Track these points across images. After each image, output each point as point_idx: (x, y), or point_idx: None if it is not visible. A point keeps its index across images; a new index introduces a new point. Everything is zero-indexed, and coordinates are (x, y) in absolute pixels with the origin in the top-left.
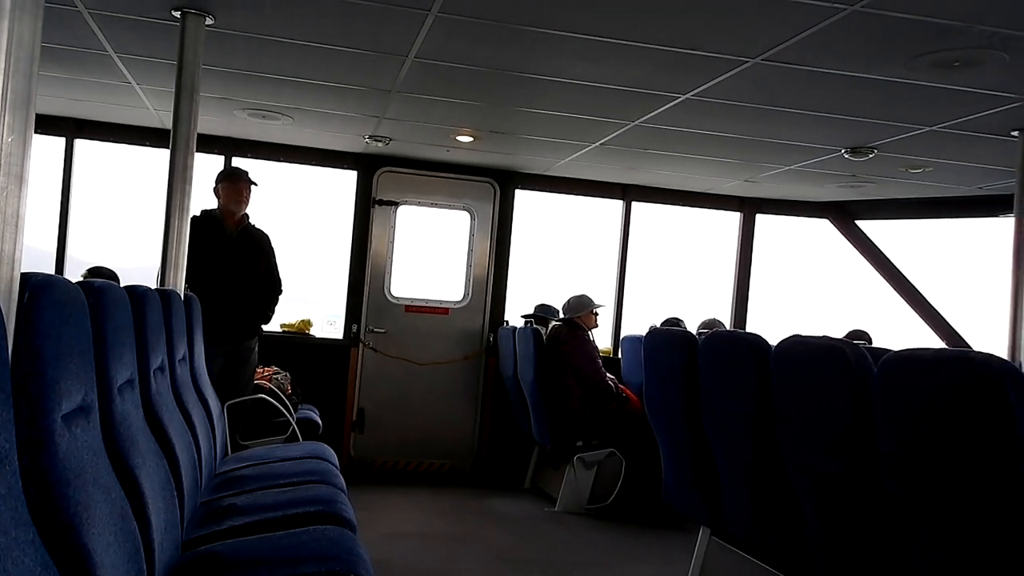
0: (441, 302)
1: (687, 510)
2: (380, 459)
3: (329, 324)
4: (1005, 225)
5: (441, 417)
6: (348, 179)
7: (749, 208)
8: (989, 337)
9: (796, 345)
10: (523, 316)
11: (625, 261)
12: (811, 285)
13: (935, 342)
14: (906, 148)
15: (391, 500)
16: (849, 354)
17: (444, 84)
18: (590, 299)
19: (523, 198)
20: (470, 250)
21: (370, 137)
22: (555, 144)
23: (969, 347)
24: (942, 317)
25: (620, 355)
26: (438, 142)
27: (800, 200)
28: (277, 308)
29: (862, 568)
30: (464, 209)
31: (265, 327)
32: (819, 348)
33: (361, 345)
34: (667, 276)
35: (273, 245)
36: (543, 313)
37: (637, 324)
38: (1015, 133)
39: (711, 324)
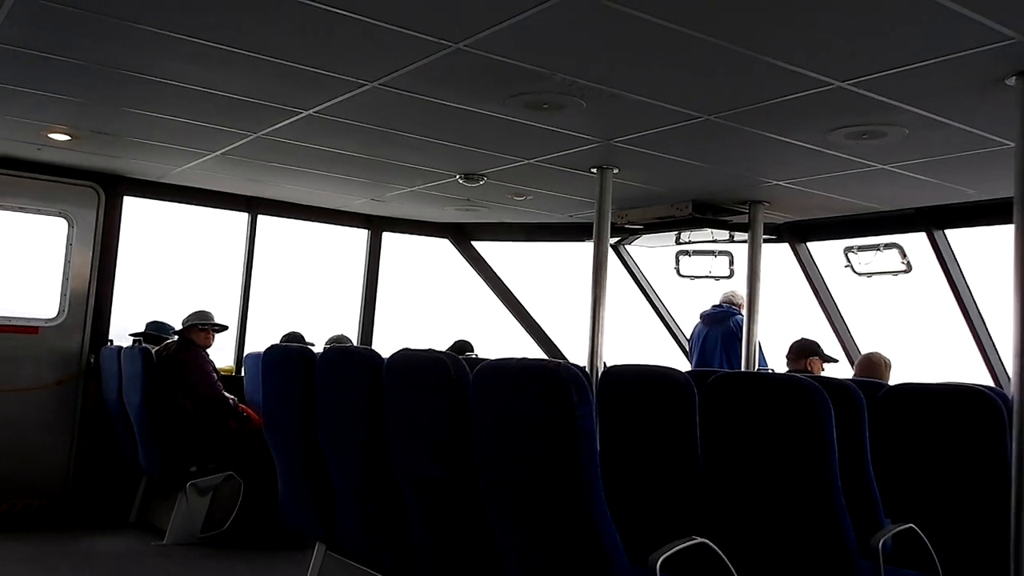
0: (29, 320)
1: (303, 527)
2: None
3: None
4: (588, 249)
5: (26, 451)
6: None
7: (376, 226)
8: (580, 346)
9: (404, 358)
10: (131, 335)
11: (250, 276)
12: (435, 300)
13: (537, 352)
14: (510, 177)
15: None
16: (449, 364)
17: (31, 74)
18: (200, 315)
19: (135, 206)
20: (67, 261)
21: None
22: (170, 150)
23: (564, 356)
24: (542, 329)
25: (243, 373)
26: (26, 138)
27: (424, 220)
28: None
29: (461, 565)
30: (60, 215)
31: None
32: (423, 360)
33: None
34: (297, 292)
35: None
36: (155, 331)
37: (265, 341)
38: (594, 170)
39: (339, 340)
